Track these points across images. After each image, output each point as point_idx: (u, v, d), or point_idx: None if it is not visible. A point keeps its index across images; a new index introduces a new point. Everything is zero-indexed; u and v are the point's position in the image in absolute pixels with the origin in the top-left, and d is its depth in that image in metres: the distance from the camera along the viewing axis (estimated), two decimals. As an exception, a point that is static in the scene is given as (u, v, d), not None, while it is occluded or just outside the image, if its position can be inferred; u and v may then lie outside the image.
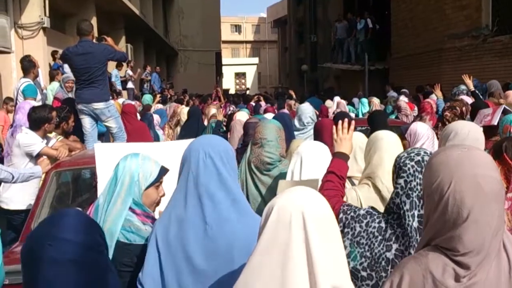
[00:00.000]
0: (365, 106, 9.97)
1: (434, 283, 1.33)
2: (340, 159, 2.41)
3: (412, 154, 2.00)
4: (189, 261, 1.83)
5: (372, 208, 2.11)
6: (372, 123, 4.68)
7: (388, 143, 2.58)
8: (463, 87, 7.92)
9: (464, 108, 5.11)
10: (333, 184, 2.29)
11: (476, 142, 2.63)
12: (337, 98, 10.46)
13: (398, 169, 2.00)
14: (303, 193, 1.42)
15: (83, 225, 1.53)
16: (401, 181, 1.97)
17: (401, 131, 3.74)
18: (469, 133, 2.68)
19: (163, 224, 1.91)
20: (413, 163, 1.97)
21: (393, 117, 8.09)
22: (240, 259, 1.71)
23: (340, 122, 2.52)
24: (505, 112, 4.67)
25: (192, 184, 1.87)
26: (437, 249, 1.37)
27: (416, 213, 1.92)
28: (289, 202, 1.37)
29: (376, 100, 9.49)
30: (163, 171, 2.30)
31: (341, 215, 2.08)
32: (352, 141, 2.54)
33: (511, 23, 11.81)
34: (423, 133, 3.54)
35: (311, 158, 2.70)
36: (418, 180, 1.93)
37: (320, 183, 2.40)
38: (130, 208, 2.17)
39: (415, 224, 1.91)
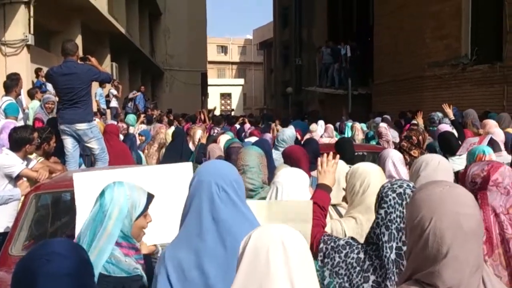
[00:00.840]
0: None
1: None
2: (323, 190, 2.46)
3: (395, 186, 2.03)
4: None
5: (352, 238, 2.13)
6: (339, 150, 4.72)
7: (372, 176, 2.62)
8: (440, 114, 8.09)
9: (420, 137, 5.15)
10: (314, 214, 2.32)
11: (447, 172, 2.72)
12: (321, 122, 10.51)
13: (380, 199, 2.04)
14: (280, 226, 1.44)
15: (73, 246, 1.59)
16: (382, 211, 2.00)
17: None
18: (439, 164, 2.76)
19: (173, 258, 1.88)
20: (394, 194, 2.00)
21: (374, 142, 8.20)
22: None
23: (325, 154, 2.57)
24: (491, 142, 4.79)
25: (210, 219, 1.86)
26: (418, 283, 1.39)
27: (394, 245, 1.94)
28: (267, 233, 1.40)
29: (358, 126, 9.59)
30: (150, 198, 2.28)
31: (321, 245, 2.11)
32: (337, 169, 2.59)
33: (489, 52, 12.14)
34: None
35: (287, 186, 2.70)
36: (398, 212, 1.96)
37: (311, 205, 2.42)
38: (117, 241, 2.15)
39: (393, 256, 1.94)
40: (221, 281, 1.80)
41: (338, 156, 2.61)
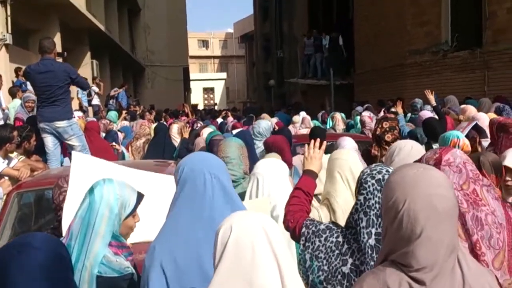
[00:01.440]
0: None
1: None
2: (308, 176, 2.46)
3: (374, 172, 2.05)
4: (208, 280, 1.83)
5: (333, 223, 2.15)
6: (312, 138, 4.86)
7: (341, 162, 2.67)
8: (421, 101, 8.17)
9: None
10: (299, 199, 2.33)
11: (420, 154, 2.75)
12: (303, 113, 10.58)
13: (359, 185, 2.05)
14: (257, 215, 1.44)
15: (47, 239, 1.59)
16: (361, 197, 2.02)
17: None
18: (412, 149, 2.82)
19: (166, 249, 1.85)
20: (373, 181, 2.01)
21: (354, 131, 8.27)
22: None
23: (312, 141, 2.58)
24: (476, 128, 4.84)
25: (204, 206, 1.85)
26: (394, 264, 1.42)
27: (373, 231, 1.96)
28: (248, 224, 1.40)
29: (338, 116, 9.65)
30: (140, 198, 2.24)
31: (303, 229, 2.13)
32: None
33: (469, 38, 12.26)
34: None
35: (268, 177, 2.73)
36: (377, 198, 1.97)
37: (270, 202, 2.45)
38: None
39: (372, 241, 1.95)
40: None
41: (325, 142, 2.61)
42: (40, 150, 5.60)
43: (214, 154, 3.66)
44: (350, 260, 1.97)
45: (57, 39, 12.27)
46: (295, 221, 2.20)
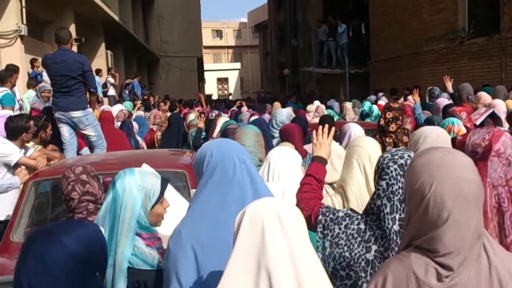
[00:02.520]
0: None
1: (417, 283, 1.35)
2: (318, 163, 2.44)
3: (396, 157, 2.00)
4: None
5: (351, 210, 2.12)
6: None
7: (361, 150, 2.63)
8: (438, 88, 8.07)
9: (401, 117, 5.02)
10: (311, 186, 2.31)
11: (446, 145, 2.65)
12: (317, 102, 10.55)
13: (380, 170, 2.01)
14: (274, 199, 1.44)
15: (88, 238, 1.53)
16: (383, 183, 1.98)
17: None
18: (438, 137, 2.72)
19: (194, 233, 1.81)
20: (396, 166, 1.97)
21: (369, 120, 8.22)
22: None
23: (320, 127, 2.56)
24: (493, 116, 4.77)
25: (236, 188, 1.86)
26: (419, 249, 1.39)
27: (397, 216, 1.93)
28: (261, 206, 1.39)
29: (348, 105, 9.63)
30: (165, 183, 2.21)
31: (320, 216, 2.10)
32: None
33: (487, 25, 12.05)
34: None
35: (279, 162, 2.72)
36: (400, 184, 1.94)
37: (283, 188, 2.45)
38: (136, 232, 2.09)
39: (396, 227, 1.92)
40: None
41: (333, 129, 2.59)
42: (56, 140, 5.64)
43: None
44: (374, 247, 1.95)
45: (72, 30, 12.32)
46: (310, 209, 2.18)
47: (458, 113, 4.89)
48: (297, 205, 2.27)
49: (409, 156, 2.01)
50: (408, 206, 1.46)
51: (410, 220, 1.44)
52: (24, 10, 10.61)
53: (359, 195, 2.48)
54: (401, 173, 1.95)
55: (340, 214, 2.08)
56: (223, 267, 1.69)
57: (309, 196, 2.26)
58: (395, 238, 1.91)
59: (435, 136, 2.73)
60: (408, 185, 1.46)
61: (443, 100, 6.79)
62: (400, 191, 1.93)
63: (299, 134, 4.14)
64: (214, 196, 1.86)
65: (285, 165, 2.69)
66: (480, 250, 1.37)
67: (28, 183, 3.87)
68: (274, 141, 5.18)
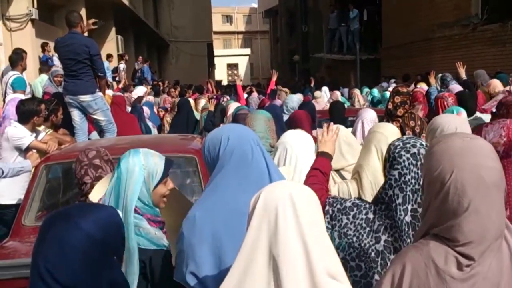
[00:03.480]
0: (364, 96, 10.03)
1: (437, 272, 1.32)
2: (324, 157, 2.45)
3: (408, 145, 1.95)
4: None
5: (359, 199, 2.10)
6: (331, 114, 5.15)
7: (380, 136, 2.60)
8: (450, 75, 7.97)
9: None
10: (316, 178, 2.31)
11: None
12: (325, 88, 10.49)
13: (392, 159, 1.96)
14: (289, 182, 1.44)
15: (104, 222, 1.52)
16: (395, 173, 1.93)
17: None
18: (456, 130, 2.63)
19: (214, 220, 1.80)
20: (408, 155, 1.92)
21: (381, 107, 8.14)
22: None
23: (325, 124, 2.57)
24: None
25: (255, 168, 1.90)
26: (438, 238, 1.36)
27: (409, 207, 1.88)
28: (276, 189, 1.37)
29: (357, 92, 9.59)
30: (169, 164, 2.21)
31: (327, 207, 2.08)
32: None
33: (500, 11, 11.85)
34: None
35: (296, 148, 2.70)
36: (412, 173, 1.89)
37: (293, 172, 2.46)
38: (137, 211, 2.09)
39: (408, 218, 1.88)
40: None
41: (339, 126, 2.63)
42: (67, 124, 5.67)
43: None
44: (383, 237, 1.92)
45: (82, 14, 12.23)
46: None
47: (446, 97, 4.86)
48: None
49: (421, 144, 1.96)
50: (427, 193, 1.42)
51: (429, 207, 1.40)
52: (35, -6, 10.61)
53: (374, 182, 2.45)
54: (414, 162, 1.89)
55: (348, 204, 2.05)
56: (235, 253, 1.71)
57: (315, 187, 2.21)
58: (407, 229, 1.87)
59: (452, 130, 2.64)
60: (427, 172, 1.42)
61: (456, 87, 6.71)
62: (413, 181, 1.88)
63: (307, 120, 4.13)
64: (234, 180, 1.86)
65: (302, 149, 2.68)
66: (502, 240, 1.34)
67: (39, 166, 3.89)
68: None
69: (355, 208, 2.01)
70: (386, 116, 4.48)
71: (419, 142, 1.97)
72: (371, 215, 1.96)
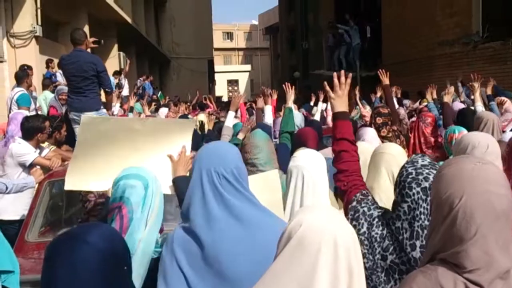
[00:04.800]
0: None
1: None
2: (343, 120, 2.20)
3: (420, 177, 1.83)
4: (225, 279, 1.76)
5: (385, 212, 1.97)
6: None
7: (389, 157, 2.55)
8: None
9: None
10: (349, 154, 2.12)
11: (496, 156, 2.51)
12: (321, 105, 10.45)
13: (401, 188, 1.87)
14: (334, 216, 1.29)
15: (106, 234, 1.52)
16: (405, 206, 1.84)
17: None
18: (488, 148, 2.52)
19: (184, 246, 1.81)
20: (419, 189, 1.81)
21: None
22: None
23: (335, 75, 2.29)
24: None
25: (217, 207, 1.80)
26: (445, 263, 1.34)
27: (418, 243, 1.79)
28: (319, 225, 1.25)
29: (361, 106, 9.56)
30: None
31: (354, 203, 1.97)
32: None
33: (501, 29, 11.93)
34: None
35: (312, 171, 2.49)
36: (422, 209, 1.80)
37: (278, 175, 2.36)
38: None
39: (416, 254, 1.79)
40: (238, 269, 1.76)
41: (350, 75, 2.33)
42: (71, 141, 5.68)
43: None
44: (390, 257, 1.85)
45: (86, 31, 12.41)
46: (348, 186, 2.05)
47: (422, 117, 4.89)
48: (337, 174, 2.12)
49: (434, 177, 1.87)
50: (434, 216, 1.40)
51: (434, 231, 1.38)
52: (39, 11, 10.72)
53: (388, 203, 2.39)
54: (424, 197, 1.80)
55: (375, 213, 1.93)
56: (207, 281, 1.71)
57: (351, 168, 2.09)
58: (414, 265, 1.77)
59: (483, 147, 2.51)
60: (435, 194, 1.39)
61: (459, 105, 6.71)
62: (422, 216, 1.80)
63: (314, 138, 4.07)
64: (200, 213, 1.83)
65: (318, 173, 2.48)
66: (510, 268, 1.31)
67: (43, 183, 3.90)
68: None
69: (376, 219, 1.92)
70: None
71: (432, 175, 1.83)
72: (384, 232, 1.89)
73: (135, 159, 2.47)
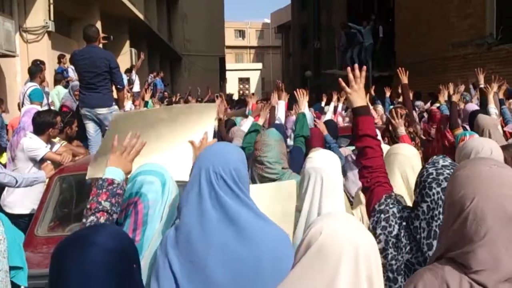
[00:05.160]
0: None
1: None
2: (364, 115, 2.14)
3: (441, 178, 1.83)
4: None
5: (408, 215, 1.93)
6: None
7: (402, 158, 2.54)
8: (467, 94, 7.87)
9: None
10: (374, 151, 2.09)
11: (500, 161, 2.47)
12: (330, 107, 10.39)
13: (421, 189, 1.86)
14: (354, 224, 1.28)
15: (115, 235, 1.49)
16: (424, 206, 1.84)
17: None
18: (491, 153, 2.50)
19: (176, 250, 1.78)
20: (439, 189, 1.81)
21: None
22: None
23: (349, 69, 2.23)
24: None
25: (210, 206, 1.78)
26: (453, 262, 1.34)
27: (435, 243, 1.78)
28: (340, 234, 1.24)
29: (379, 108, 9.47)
30: None
31: (383, 206, 1.94)
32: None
33: (515, 31, 11.83)
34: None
35: (331, 174, 2.43)
36: (440, 208, 1.80)
37: (295, 185, 2.28)
38: None
39: (432, 254, 1.76)
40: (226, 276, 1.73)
41: (364, 68, 2.27)
42: (82, 136, 5.71)
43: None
44: (406, 257, 1.84)
45: (98, 27, 12.48)
46: (371, 182, 2.03)
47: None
48: (361, 171, 2.10)
49: None
50: (446, 215, 1.41)
51: (445, 230, 1.39)
52: (51, 6, 10.78)
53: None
54: (443, 197, 1.78)
55: (405, 214, 1.89)
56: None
57: (374, 163, 2.06)
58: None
59: (487, 153, 2.50)
60: (449, 194, 1.40)
61: (472, 106, 6.64)
62: (440, 216, 1.79)
63: (319, 137, 4.10)
64: (193, 212, 1.80)
65: (336, 175, 2.44)
66: None
67: (53, 178, 3.92)
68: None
69: (397, 227, 1.89)
70: (387, 132, 4.48)
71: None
72: (401, 231, 1.88)
73: (158, 146, 2.48)
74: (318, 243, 1.23)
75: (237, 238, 1.74)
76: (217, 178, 1.79)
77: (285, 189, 2.51)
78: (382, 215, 1.92)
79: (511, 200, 1.29)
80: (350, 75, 2.19)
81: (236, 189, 1.79)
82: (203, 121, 2.63)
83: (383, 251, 1.85)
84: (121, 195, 1.98)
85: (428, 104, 9.58)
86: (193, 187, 1.82)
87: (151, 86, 15.42)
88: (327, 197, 2.33)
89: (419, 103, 10.11)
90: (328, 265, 1.20)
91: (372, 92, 9.51)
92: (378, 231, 1.88)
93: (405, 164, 2.48)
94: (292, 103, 7.11)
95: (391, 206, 1.93)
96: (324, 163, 2.41)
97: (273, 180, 3.05)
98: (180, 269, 1.75)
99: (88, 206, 1.90)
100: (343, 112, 9.56)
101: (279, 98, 5.60)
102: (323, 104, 11.37)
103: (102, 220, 1.85)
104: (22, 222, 4.26)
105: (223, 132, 5.62)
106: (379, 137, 2.66)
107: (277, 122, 5.29)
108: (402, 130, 4.12)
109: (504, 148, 2.90)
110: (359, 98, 2.16)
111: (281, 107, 5.52)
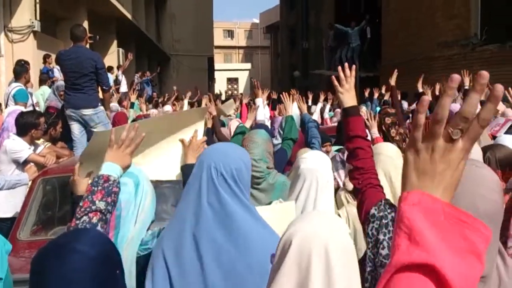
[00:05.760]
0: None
1: None
2: (354, 116, 2.12)
3: None
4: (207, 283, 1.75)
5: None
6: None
7: (385, 158, 2.55)
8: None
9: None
10: (364, 151, 2.08)
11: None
12: (320, 105, 10.40)
13: None
14: (327, 224, 1.28)
15: (96, 240, 1.47)
16: None
17: None
18: (470, 153, 2.56)
19: (171, 248, 1.80)
20: None
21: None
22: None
23: (339, 69, 2.23)
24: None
25: (206, 202, 1.78)
26: None
27: None
28: (312, 235, 1.24)
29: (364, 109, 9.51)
30: None
31: (382, 213, 1.90)
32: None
33: (499, 32, 11.95)
34: None
35: (325, 174, 2.44)
36: None
37: (294, 207, 2.28)
38: None
39: None
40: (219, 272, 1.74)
41: (354, 66, 2.26)
42: (66, 137, 5.67)
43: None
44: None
45: (85, 27, 12.40)
46: (362, 184, 2.01)
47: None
48: (352, 172, 2.09)
49: None
50: None
51: None
52: (37, 6, 10.67)
53: None
54: None
55: (385, 237, 1.84)
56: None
57: (366, 164, 2.05)
58: None
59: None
60: None
61: (457, 106, 6.69)
62: None
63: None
64: (191, 206, 1.82)
65: (330, 175, 2.44)
66: (492, 271, 1.33)
67: (36, 180, 3.88)
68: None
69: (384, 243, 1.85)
70: (381, 134, 4.51)
71: None
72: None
73: (148, 148, 2.47)
74: (292, 246, 1.23)
75: (230, 237, 1.75)
76: (217, 174, 1.80)
77: (287, 211, 2.45)
78: (383, 221, 1.89)
79: (485, 200, 1.30)
80: (341, 75, 2.19)
81: (235, 188, 1.80)
82: (194, 121, 2.65)
83: (387, 257, 1.81)
84: (117, 193, 1.87)
85: (414, 105, 9.65)
86: (194, 182, 1.83)
87: (138, 86, 15.36)
88: (321, 198, 2.36)
89: (404, 103, 10.19)
90: (300, 267, 1.21)
91: (366, 95, 9.52)
92: (381, 237, 1.85)
93: (387, 163, 2.49)
94: (276, 104, 7.13)
95: (389, 211, 1.91)
96: (319, 164, 2.43)
97: (257, 178, 3.07)
98: (175, 266, 1.76)
99: (81, 204, 1.78)
100: (329, 117, 9.64)
101: (256, 96, 5.61)
102: (309, 103, 11.38)
103: (94, 220, 1.75)
104: (4, 226, 4.21)
105: (217, 128, 5.63)
106: (369, 137, 2.67)
107: (259, 119, 5.31)
108: (375, 132, 4.13)
109: (488, 148, 2.93)
110: (350, 98, 2.15)
111: (259, 104, 5.54)
